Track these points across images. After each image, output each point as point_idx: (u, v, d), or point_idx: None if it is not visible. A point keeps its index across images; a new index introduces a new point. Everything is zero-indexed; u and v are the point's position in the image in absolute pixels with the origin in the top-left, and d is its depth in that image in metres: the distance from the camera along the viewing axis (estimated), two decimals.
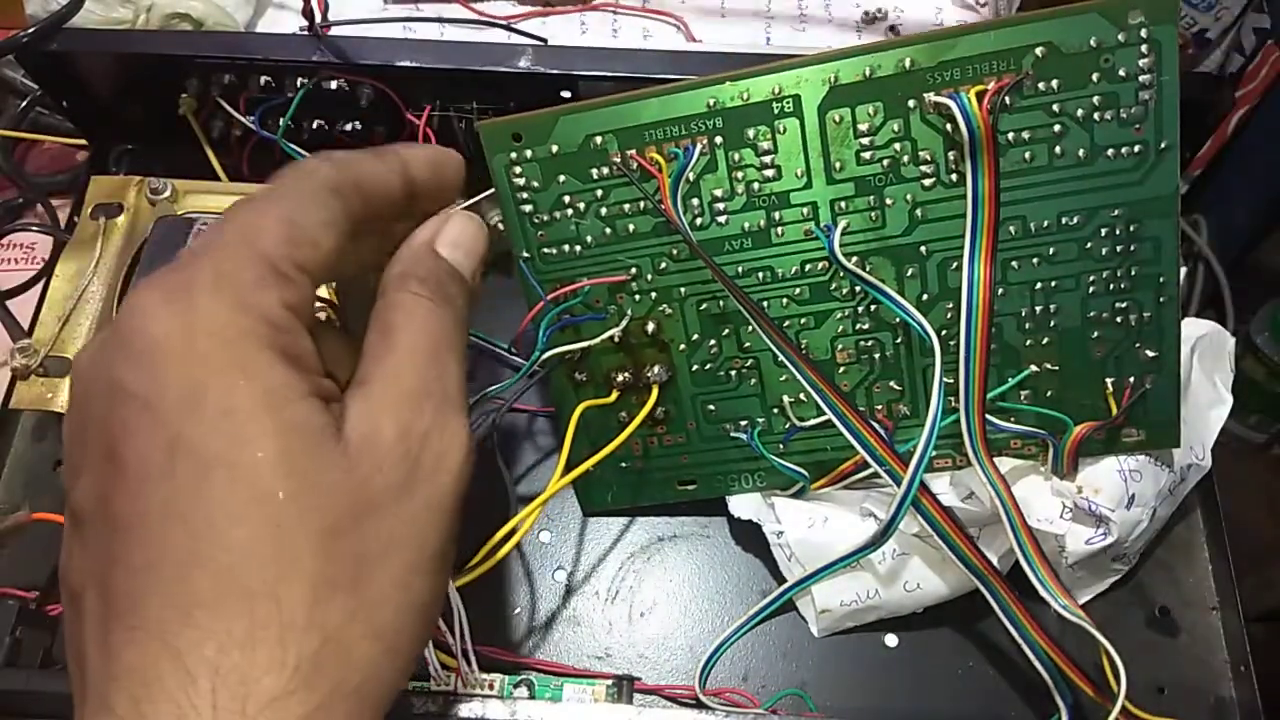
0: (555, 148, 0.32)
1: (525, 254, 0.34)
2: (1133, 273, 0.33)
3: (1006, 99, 0.30)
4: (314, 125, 0.43)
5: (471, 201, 0.31)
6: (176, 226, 0.36)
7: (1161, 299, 0.33)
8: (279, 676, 0.20)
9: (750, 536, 0.39)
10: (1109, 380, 0.34)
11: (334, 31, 0.41)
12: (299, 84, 0.41)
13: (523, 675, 0.35)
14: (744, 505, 0.38)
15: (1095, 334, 0.34)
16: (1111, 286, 0.33)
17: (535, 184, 0.33)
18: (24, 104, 0.49)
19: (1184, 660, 0.37)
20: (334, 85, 0.41)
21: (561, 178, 0.33)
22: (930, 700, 0.37)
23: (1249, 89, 0.40)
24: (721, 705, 0.36)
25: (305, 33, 0.41)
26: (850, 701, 0.37)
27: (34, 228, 0.46)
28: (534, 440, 0.42)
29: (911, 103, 0.31)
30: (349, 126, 0.43)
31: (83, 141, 0.48)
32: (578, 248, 0.34)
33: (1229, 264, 0.42)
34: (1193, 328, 0.37)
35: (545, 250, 0.34)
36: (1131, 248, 0.32)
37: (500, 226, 0.33)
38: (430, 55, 0.41)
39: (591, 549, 0.40)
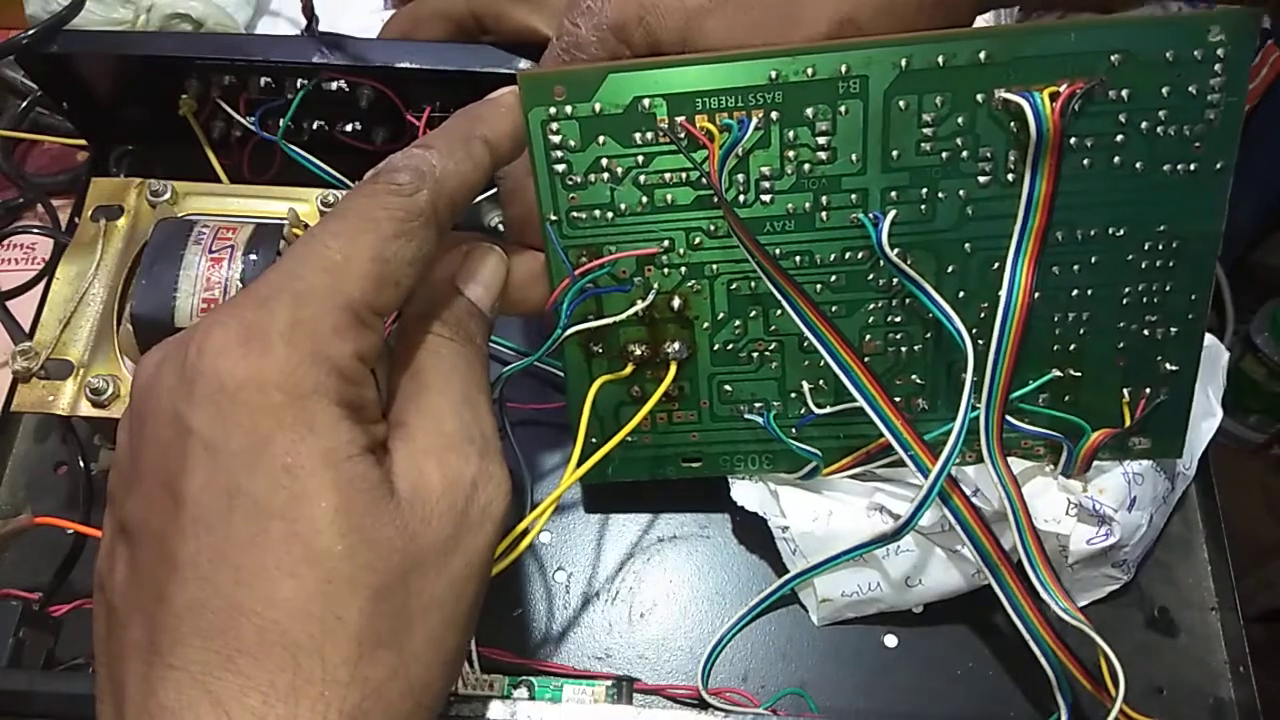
0: (598, 106, 0.31)
1: (553, 216, 0.32)
2: (1168, 288, 0.33)
3: (1077, 104, 0.30)
4: (314, 126, 0.43)
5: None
6: (177, 228, 0.36)
7: (1191, 315, 0.33)
8: None
9: (751, 537, 0.39)
10: (1126, 389, 0.34)
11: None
12: (299, 85, 0.41)
13: (523, 676, 0.35)
14: (749, 496, 0.37)
15: (1122, 344, 0.34)
16: (1146, 300, 0.33)
17: (572, 143, 0.31)
18: (24, 104, 0.49)
19: (1183, 661, 0.38)
20: (334, 86, 0.41)
21: (601, 139, 0.31)
22: (930, 700, 0.37)
23: (1249, 89, 0.40)
24: (722, 705, 0.36)
25: (305, 34, 0.41)
26: (850, 701, 0.37)
27: (34, 229, 0.45)
28: (535, 437, 0.41)
29: (980, 97, 0.30)
30: (349, 127, 0.43)
31: (83, 142, 0.48)
32: (610, 214, 0.32)
33: (1229, 264, 0.42)
34: None
35: (575, 214, 0.32)
36: (1171, 264, 0.32)
37: (500, 228, 0.33)
38: (430, 56, 0.40)
39: (591, 549, 0.40)
